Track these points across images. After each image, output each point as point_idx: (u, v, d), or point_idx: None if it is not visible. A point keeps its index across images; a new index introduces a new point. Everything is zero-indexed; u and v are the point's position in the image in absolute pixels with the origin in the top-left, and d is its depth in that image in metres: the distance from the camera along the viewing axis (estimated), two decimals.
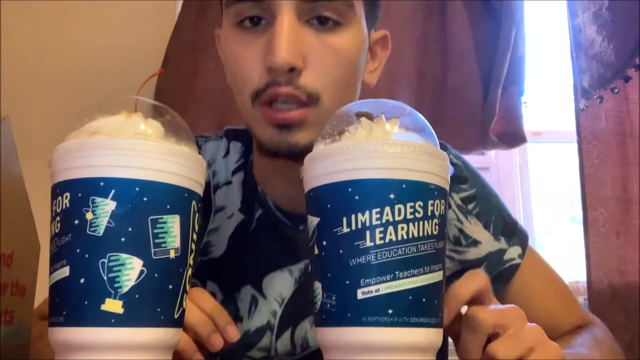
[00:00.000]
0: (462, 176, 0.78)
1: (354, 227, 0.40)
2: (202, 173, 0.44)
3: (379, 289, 0.40)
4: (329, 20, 0.64)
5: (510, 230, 0.78)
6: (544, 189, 1.84)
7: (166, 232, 0.40)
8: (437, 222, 0.42)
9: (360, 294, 0.40)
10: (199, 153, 0.45)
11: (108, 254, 0.39)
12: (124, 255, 0.39)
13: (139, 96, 0.45)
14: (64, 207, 0.40)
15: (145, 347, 0.39)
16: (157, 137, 0.42)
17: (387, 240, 0.40)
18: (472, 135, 1.57)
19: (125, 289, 0.39)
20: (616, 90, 1.59)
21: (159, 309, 0.40)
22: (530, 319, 0.75)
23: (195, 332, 0.51)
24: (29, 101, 1.58)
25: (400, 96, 1.56)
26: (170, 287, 0.41)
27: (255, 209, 0.75)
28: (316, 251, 0.43)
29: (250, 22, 0.64)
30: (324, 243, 0.42)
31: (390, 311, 0.40)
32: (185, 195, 0.42)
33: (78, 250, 0.39)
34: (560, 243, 1.92)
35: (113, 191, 0.39)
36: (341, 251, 0.41)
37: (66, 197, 0.40)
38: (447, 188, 0.44)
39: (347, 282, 0.40)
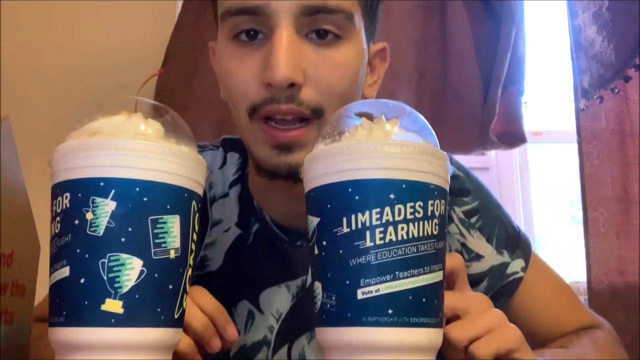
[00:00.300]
0: (465, 188, 0.77)
1: (354, 227, 0.40)
2: (202, 173, 0.44)
3: (379, 289, 0.40)
4: (329, 34, 0.62)
5: (514, 242, 0.77)
6: (544, 189, 1.84)
7: (166, 232, 0.40)
8: (437, 222, 0.42)
9: (360, 294, 0.40)
10: None
11: (108, 254, 0.39)
12: (124, 256, 0.39)
13: (139, 96, 0.45)
14: (64, 207, 0.40)
15: (145, 347, 0.39)
16: (157, 137, 0.42)
17: (387, 240, 0.40)
18: (472, 135, 1.57)
19: (125, 289, 0.39)
20: (616, 90, 1.59)
21: (159, 309, 0.40)
22: (535, 327, 0.76)
23: (197, 335, 0.51)
24: (29, 101, 1.58)
25: (400, 96, 1.56)
26: (170, 287, 0.41)
27: (252, 223, 0.74)
28: (316, 251, 0.43)
29: (247, 36, 0.63)
30: (324, 243, 0.42)
31: (390, 311, 0.40)
32: (185, 195, 0.42)
33: (78, 251, 0.39)
34: (560, 243, 1.92)
35: (113, 191, 0.39)
36: (341, 251, 0.41)
37: (66, 197, 0.40)
38: (447, 188, 0.44)
39: (347, 282, 0.40)
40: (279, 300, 0.71)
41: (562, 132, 1.83)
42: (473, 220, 0.77)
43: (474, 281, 0.76)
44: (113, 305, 0.38)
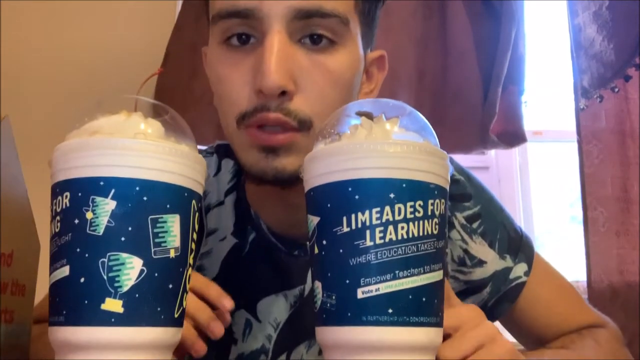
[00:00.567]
0: (466, 193, 0.76)
1: (354, 227, 0.40)
2: (202, 173, 0.44)
3: (379, 288, 0.40)
4: (323, 39, 0.60)
5: (516, 246, 0.77)
6: (544, 188, 1.84)
7: (166, 232, 0.40)
8: (437, 222, 0.42)
9: (360, 294, 0.40)
10: None
11: (108, 254, 0.39)
12: (124, 255, 0.39)
13: (139, 96, 0.45)
14: (64, 206, 0.40)
15: (145, 346, 0.39)
16: (157, 136, 0.42)
17: (387, 240, 0.40)
18: (472, 135, 1.57)
19: (125, 289, 0.39)
20: (616, 90, 1.59)
21: (159, 309, 0.40)
22: (539, 329, 0.76)
23: (194, 319, 0.51)
24: (29, 101, 1.58)
25: (400, 96, 1.56)
26: (170, 286, 0.41)
27: (248, 232, 0.72)
28: (316, 250, 0.43)
29: (239, 40, 0.61)
30: (324, 242, 0.42)
31: (390, 310, 0.40)
32: (186, 194, 0.42)
33: (78, 250, 0.39)
34: (560, 243, 1.92)
35: (113, 190, 0.39)
36: (341, 250, 0.41)
37: (66, 196, 0.40)
38: (448, 187, 0.44)
39: (347, 281, 0.40)
40: (276, 309, 0.70)
41: (562, 131, 1.83)
42: (475, 225, 0.76)
43: (477, 287, 0.75)
44: (113, 305, 0.38)
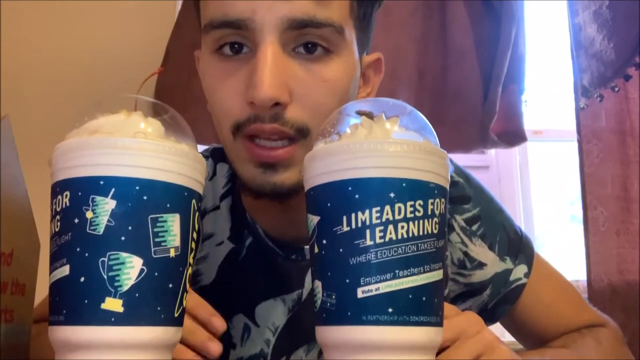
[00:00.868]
0: (465, 195, 0.76)
1: (354, 226, 0.40)
2: (202, 172, 0.44)
3: (379, 287, 0.40)
4: (317, 48, 0.59)
5: (516, 248, 0.76)
6: (544, 187, 1.84)
7: (166, 231, 0.40)
8: (437, 221, 0.42)
9: (360, 293, 0.40)
10: None
11: (108, 253, 0.39)
12: (124, 254, 0.39)
13: (138, 95, 0.45)
14: (63, 205, 0.40)
15: (145, 346, 0.39)
16: (157, 135, 0.42)
17: (387, 239, 0.40)
18: (472, 134, 1.57)
19: (125, 288, 0.39)
20: (616, 89, 1.59)
21: (159, 308, 0.40)
22: (540, 329, 0.76)
23: (187, 343, 0.51)
24: (29, 101, 1.58)
25: (400, 95, 1.56)
26: (171, 286, 0.41)
27: (245, 236, 0.72)
28: (316, 250, 0.43)
29: (231, 50, 0.60)
30: (324, 242, 0.42)
31: (390, 310, 0.40)
32: (185, 194, 0.42)
33: (78, 249, 0.39)
34: (560, 242, 1.92)
35: (113, 190, 0.39)
36: (341, 250, 0.41)
37: (66, 195, 0.40)
38: (448, 186, 0.44)
39: (347, 280, 0.40)
40: (274, 313, 0.70)
41: (562, 130, 1.83)
42: (474, 227, 0.75)
43: (477, 290, 0.75)
44: (113, 304, 0.38)
